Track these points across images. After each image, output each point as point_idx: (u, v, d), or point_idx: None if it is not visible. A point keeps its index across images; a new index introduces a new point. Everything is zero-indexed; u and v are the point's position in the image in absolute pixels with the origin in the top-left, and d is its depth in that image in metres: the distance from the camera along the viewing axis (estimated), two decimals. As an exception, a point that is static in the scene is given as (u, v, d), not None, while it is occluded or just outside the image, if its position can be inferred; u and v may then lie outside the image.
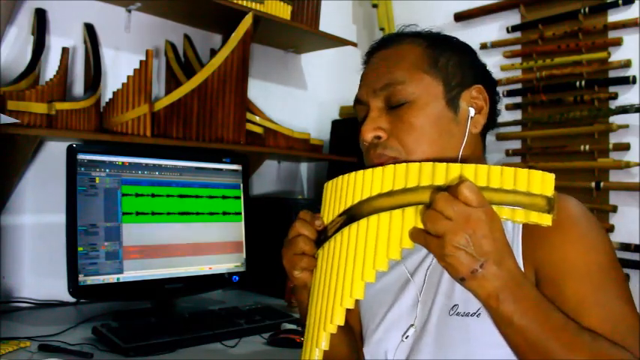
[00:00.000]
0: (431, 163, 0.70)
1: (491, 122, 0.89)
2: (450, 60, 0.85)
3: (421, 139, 0.81)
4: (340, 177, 0.79)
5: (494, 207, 0.66)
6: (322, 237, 0.80)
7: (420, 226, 0.68)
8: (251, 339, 1.33)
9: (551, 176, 0.66)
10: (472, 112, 0.84)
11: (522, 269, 0.74)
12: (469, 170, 0.68)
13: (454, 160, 0.82)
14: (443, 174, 0.69)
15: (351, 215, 0.75)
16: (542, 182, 0.65)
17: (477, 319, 0.77)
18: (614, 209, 1.83)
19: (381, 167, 0.74)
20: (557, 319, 0.68)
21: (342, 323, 0.74)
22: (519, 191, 0.66)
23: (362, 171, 0.77)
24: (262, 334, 1.35)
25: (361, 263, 0.73)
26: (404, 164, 0.72)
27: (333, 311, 0.74)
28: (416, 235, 0.69)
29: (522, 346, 0.67)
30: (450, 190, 0.66)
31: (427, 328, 0.82)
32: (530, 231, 0.75)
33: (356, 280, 0.73)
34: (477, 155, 0.86)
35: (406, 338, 0.84)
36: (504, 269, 0.65)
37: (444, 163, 0.69)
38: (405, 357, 0.83)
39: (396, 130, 0.82)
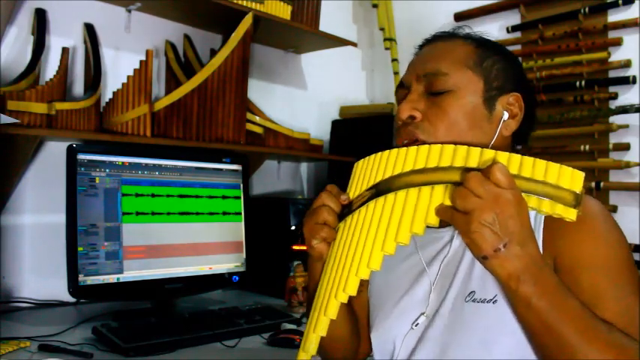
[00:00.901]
0: (466, 146, 0.72)
1: (524, 133, 0.91)
2: (496, 64, 0.88)
3: (453, 128, 0.83)
4: (372, 155, 0.81)
5: (523, 195, 0.68)
6: (346, 211, 0.82)
7: (448, 204, 0.70)
8: (251, 339, 1.33)
9: (581, 174, 0.67)
10: (506, 115, 0.86)
11: None
12: (502, 157, 0.70)
13: None
14: (477, 157, 0.71)
15: (380, 189, 0.77)
16: (572, 178, 0.67)
17: (493, 305, 0.78)
18: (614, 209, 1.83)
19: (415, 147, 0.77)
20: (574, 306, 0.69)
21: (354, 293, 0.75)
22: (548, 183, 0.67)
23: (395, 149, 0.78)
24: (262, 334, 1.35)
25: (383, 235, 0.74)
26: (439, 145, 0.74)
27: (347, 280, 0.75)
28: (443, 212, 0.71)
29: (538, 329, 0.69)
30: (483, 170, 0.68)
31: (440, 314, 0.83)
32: (551, 222, 0.77)
33: (375, 251, 0.74)
34: None
35: (416, 326, 0.85)
36: (526, 251, 0.67)
37: (479, 148, 0.72)
38: (415, 343, 0.84)
39: (431, 114, 0.85)
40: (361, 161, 0.84)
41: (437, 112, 0.84)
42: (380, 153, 0.81)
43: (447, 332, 0.81)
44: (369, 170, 0.81)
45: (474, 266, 0.81)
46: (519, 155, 0.70)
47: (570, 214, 0.67)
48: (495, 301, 0.78)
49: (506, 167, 0.67)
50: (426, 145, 0.76)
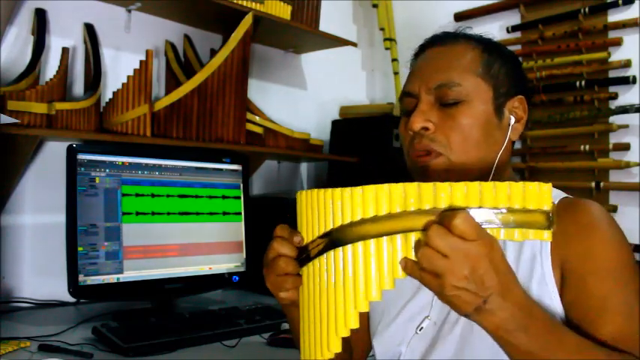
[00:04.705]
0: (415, 183, 0.65)
1: (521, 134, 0.91)
2: (502, 68, 0.87)
3: (468, 139, 0.83)
4: (317, 190, 0.73)
5: (490, 229, 0.63)
6: (304, 255, 0.75)
7: (410, 255, 0.64)
8: (251, 339, 1.33)
9: (548, 186, 0.63)
10: (512, 119, 0.86)
11: (550, 267, 0.76)
12: (459, 189, 0.63)
13: (492, 164, 0.84)
14: (430, 194, 0.64)
15: (334, 240, 0.69)
16: (539, 194, 0.62)
17: None
18: (614, 209, 1.83)
19: (360, 187, 0.68)
20: (570, 342, 0.67)
21: (339, 350, 0.70)
22: (515, 209, 0.62)
23: (339, 189, 0.70)
24: (262, 334, 1.35)
25: (351, 293, 0.68)
26: (386, 185, 0.66)
27: (329, 340, 0.70)
28: (410, 269, 0.64)
29: None
30: (444, 221, 0.61)
31: (452, 320, 0.81)
32: (558, 229, 0.74)
33: (348, 311, 0.68)
34: (507, 161, 0.90)
35: (420, 330, 0.84)
36: (510, 300, 0.63)
37: (431, 183, 0.64)
38: (425, 349, 0.83)
39: (444, 126, 0.83)
40: (305, 193, 0.75)
41: (451, 124, 0.83)
42: (328, 190, 0.71)
43: (462, 337, 0.79)
44: (316, 209, 0.72)
45: None
46: (477, 182, 0.63)
47: (544, 237, 0.63)
48: None
49: (468, 215, 0.61)
50: (372, 186, 0.67)
